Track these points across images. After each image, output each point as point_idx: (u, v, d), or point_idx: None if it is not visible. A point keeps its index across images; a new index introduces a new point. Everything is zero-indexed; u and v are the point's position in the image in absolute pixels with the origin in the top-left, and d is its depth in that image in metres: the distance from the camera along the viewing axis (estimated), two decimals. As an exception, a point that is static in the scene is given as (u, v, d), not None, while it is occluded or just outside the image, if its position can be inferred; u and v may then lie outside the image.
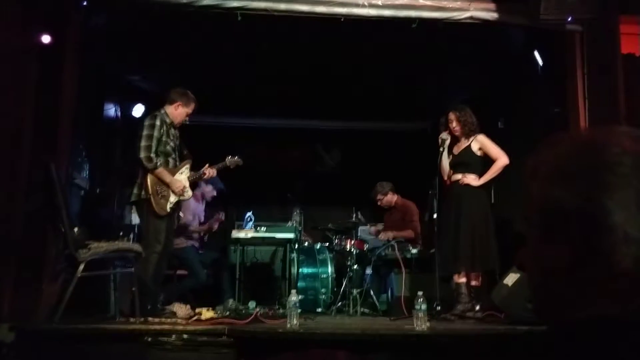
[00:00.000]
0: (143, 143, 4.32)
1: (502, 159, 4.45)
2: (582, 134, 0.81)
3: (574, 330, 0.71)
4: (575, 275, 0.71)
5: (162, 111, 4.49)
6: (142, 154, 4.30)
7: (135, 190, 4.38)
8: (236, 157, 4.91)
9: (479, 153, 4.53)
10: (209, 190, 5.89)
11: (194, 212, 5.75)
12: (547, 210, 0.75)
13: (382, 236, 5.97)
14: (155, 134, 4.35)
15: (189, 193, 4.58)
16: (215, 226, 5.89)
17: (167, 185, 4.38)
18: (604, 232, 0.69)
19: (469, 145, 4.55)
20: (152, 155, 4.33)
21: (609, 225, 0.69)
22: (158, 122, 4.39)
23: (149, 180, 4.32)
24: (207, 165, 4.76)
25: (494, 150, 4.50)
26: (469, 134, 4.55)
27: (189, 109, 4.57)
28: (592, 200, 0.70)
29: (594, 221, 0.70)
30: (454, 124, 4.57)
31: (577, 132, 0.73)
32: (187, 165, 4.61)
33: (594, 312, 0.69)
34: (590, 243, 0.70)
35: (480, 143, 4.53)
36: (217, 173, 4.85)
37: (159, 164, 4.35)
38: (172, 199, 4.40)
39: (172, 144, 4.50)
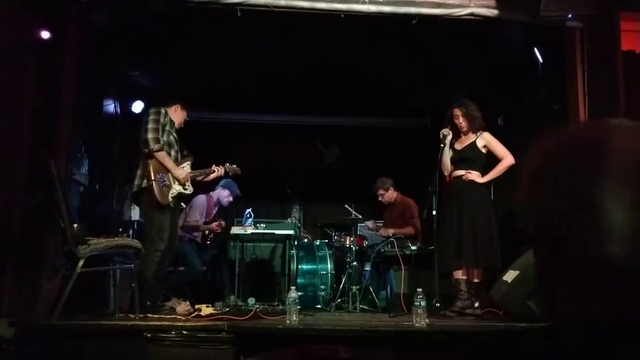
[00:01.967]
0: (150, 125, 4.39)
1: (508, 159, 4.44)
2: (573, 130, 0.82)
3: (571, 326, 0.71)
4: (570, 273, 0.71)
5: (164, 108, 4.58)
6: (150, 134, 4.36)
7: (136, 181, 4.40)
8: (234, 166, 5.03)
9: (483, 150, 4.53)
10: (226, 195, 5.94)
11: (202, 212, 5.77)
12: (541, 211, 0.76)
13: (382, 232, 5.98)
14: (161, 120, 4.45)
15: (191, 188, 4.61)
16: (212, 232, 5.92)
17: (170, 171, 4.41)
18: (598, 231, 0.69)
19: (474, 141, 4.54)
20: (160, 136, 4.39)
21: (604, 223, 0.69)
22: (163, 111, 4.51)
23: (151, 168, 4.33)
24: (214, 165, 4.81)
25: (500, 149, 4.50)
26: (475, 130, 4.54)
27: (185, 114, 4.75)
28: (586, 199, 0.70)
29: (589, 220, 0.70)
30: (460, 120, 4.56)
31: (568, 128, 0.74)
32: (189, 162, 4.64)
33: (591, 309, 0.69)
34: (583, 242, 0.70)
35: (485, 141, 4.53)
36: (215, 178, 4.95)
37: (164, 146, 4.40)
38: (175, 188, 4.41)
39: (174, 135, 4.58)
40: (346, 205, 5.97)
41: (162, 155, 4.39)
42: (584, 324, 0.70)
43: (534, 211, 0.77)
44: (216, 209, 6.03)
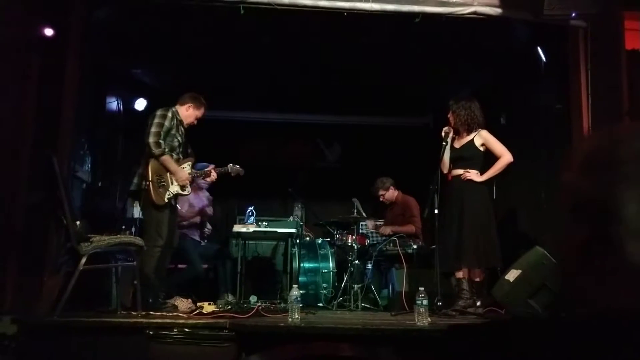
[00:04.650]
0: (153, 129, 4.37)
1: (505, 157, 4.43)
2: (609, 131, 0.82)
3: (580, 321, 0.71)
4: (589, 261, 0.72)
5: (174, 108, 4.58)
6: (152, 139, 4.34)
7: (135, 180, 4.42)
8: (238, 167, 4.98)
9: (481, 148, 4.51)
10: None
11: (189, 201, 5.73)
12: (577, 201, 0.76)
13: (382, 230, 5.99)
14: (166, 124, 4.42)
15: (188, 189, 4.62)
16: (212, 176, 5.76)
17: (172, 174, 4.42)
18: (616, 222, 0.70)
19: (472, 140, 4.52)
20: (161, 140, 4.38)
21: (622, 216, 0.69)
22: (170, 114, 4.47)
23: (150, 168, 4.35)
24: (213, 165, 4.79)
25: (498, 147, 4.48)
26: (468, 128, 4.52)
27: (199, 113, 4.70)
28: (609, 191, 0.71)
29: (609, 210, 0.70)
30: (449, 116, 4.58)
31: (610, 126, 0.76)
32: (189, 163, 4.64)
33: (605, 303, 0.70)
34: (603, 231, 0.70)
35: (483, 139, 4.51)
36: (218, 177, 4.92)
37: (166, 150, 4.40)
38: (172, 189, 4.43)
39: (179, 138, 4.57)
40: (354, 199, 5.95)
41: (164, 159, 4.40)
42: (611, 319, 0.70)
43: (580, 193, 0.76)
44: (201, 193, 5.91)
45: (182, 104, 4.64)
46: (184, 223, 5.64)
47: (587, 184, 0.74)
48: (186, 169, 4.60)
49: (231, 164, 4.96)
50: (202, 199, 5.81)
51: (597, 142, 0.80)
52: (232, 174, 4.94)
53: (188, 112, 4.65)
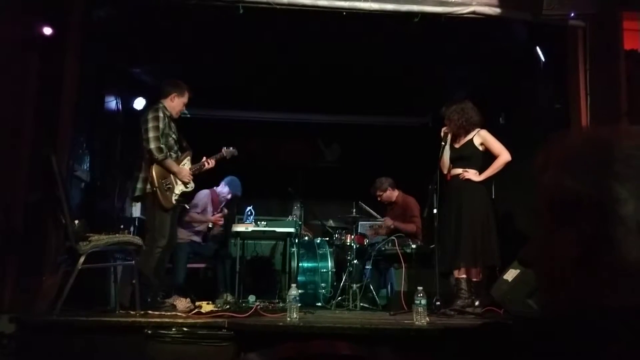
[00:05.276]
0: (151, 134, 4.35)
1: (504, 156, 4.43)
2: (592, 130, 0.82)
3: (576, 321, 0.71)
4: (584, 264, 0.71)
5: (160, 105, 4.53)
6: (153, 145, 4.33)
7: (139, 185, 4.40)
8: (231, 148, 4.98)
9: (480, 148, 4.52)
10: (225, 192, 5.98)
11: (205, 206, 5.80)
12: (560, 199, 0.75)
13: (386, 222, 5.99)
14: (160, 125, 4.40)
15: (192, 184, 4.63)
16: (221, 222, 5.95)
17: (175, 175, 4.44)
18: (615, 221, 0.69)
19: (471, 139, 4.53)
20: (162, 145, 4.38)
21: (621, 214, 0.69)
22: (161, 114, 4.44)
23: (154, 173, 4.35)
24: (204, 157, 4.79)
25: (497, 146, 4.49)
26: (465, 130, 4.54)
27: (184, 98, 4.65)
28: (605, 189, 0.70)
29: (606, 210, 0.70)
30: (445, 121, 4.59)
31: (586, 128, 0.76)
32: (188, 157, 4.66)
33: (600, 302, 0.69)
34: (601, 231, 0.70)
35: (482, 138, 4.52)
36: (216, 165, 4.91)
37: (168, 154, 4.40)
38: (177, 190, 4.45)
39: (173, 136, 4.57)
40: (360, 203, 5.98)
41: (167, 163, 4.41)
42: (592, 317, 0.70)
43: (560, 194, 0.75)
44: (222, 203, 6.04)
45: (166, 97, 4.57)
46: (200, 227, 5.71)
47: (577, 183, 0.73)
48: (186, 164, 4.62)
49: (225, 147, 4.96)
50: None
51: (577, 143, 0.78)
52: (227, 157, 4.95)
53: (174, 103, 4.59)
